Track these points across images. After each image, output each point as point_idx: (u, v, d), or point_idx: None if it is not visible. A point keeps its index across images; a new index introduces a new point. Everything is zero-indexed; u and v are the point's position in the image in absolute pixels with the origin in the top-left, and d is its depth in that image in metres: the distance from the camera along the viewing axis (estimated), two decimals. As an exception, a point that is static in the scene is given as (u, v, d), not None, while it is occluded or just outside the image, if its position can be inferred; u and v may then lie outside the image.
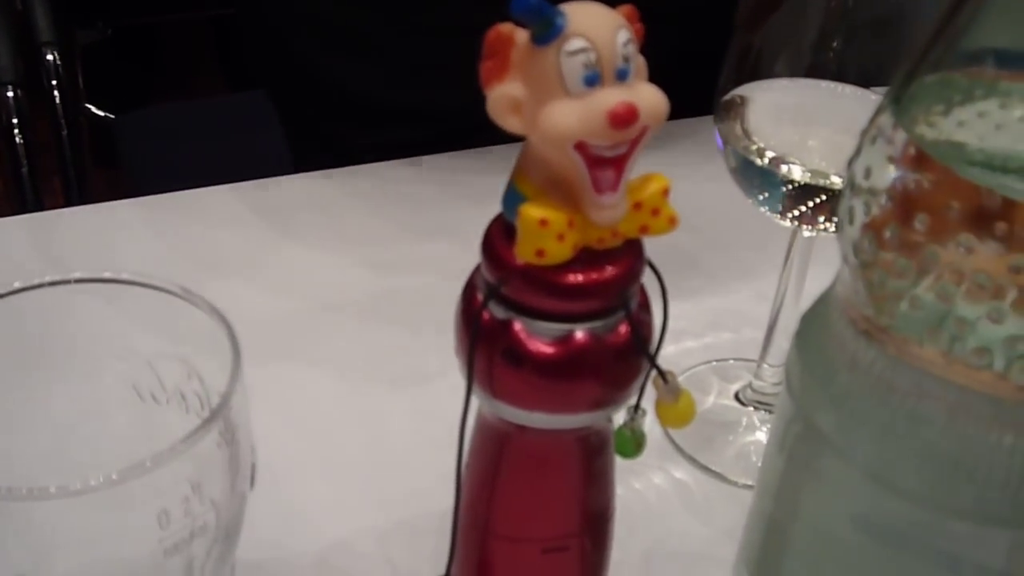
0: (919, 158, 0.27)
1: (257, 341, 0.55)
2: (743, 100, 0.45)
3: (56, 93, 0.95)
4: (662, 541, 0.48)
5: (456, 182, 0.70)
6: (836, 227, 0.30)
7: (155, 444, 0.28)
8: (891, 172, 0.28)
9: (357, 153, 0.74)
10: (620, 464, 0.46)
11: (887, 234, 0.27)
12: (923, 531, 0.30)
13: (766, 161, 0.45)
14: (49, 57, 0.94)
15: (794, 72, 0.44)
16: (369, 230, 0.67)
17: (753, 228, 0.54)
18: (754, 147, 0.45)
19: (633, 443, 0.38)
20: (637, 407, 0.37)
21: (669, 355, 0.57)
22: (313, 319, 0.60)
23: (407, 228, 0.67)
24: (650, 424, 0.54)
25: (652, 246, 0.65)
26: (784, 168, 0.44)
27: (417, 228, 0.67)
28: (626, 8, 0.30)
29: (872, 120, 0.29)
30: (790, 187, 0.44)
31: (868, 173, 0.28)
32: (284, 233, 0.66)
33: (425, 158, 0.73)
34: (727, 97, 0.45)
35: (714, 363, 0.58)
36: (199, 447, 0.29)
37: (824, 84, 0.44)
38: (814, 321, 0.32)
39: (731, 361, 0.58)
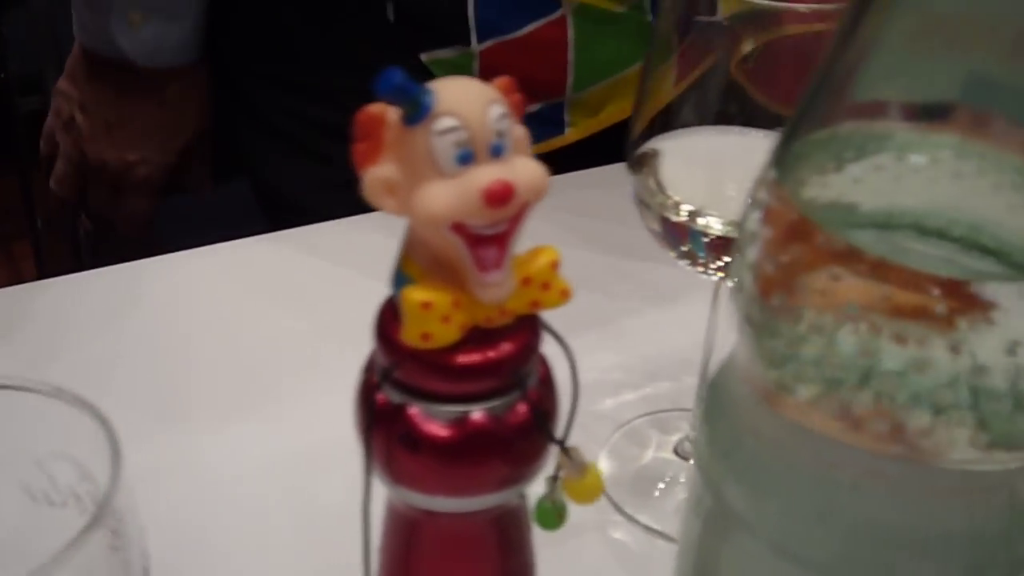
0: (802, 222, 0.26)
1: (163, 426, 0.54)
2: (655, 152, 0.45)
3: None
4: (601, 605, 0.47)
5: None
6: (731, 292, 0.29)
7: (52, 546, 0.27)
8: (774, 237, 0.27)
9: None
10: None
11: (775, 301, 0.27)
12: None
13: (683, 215, 0.44)
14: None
15: (704, 120, 0.43)
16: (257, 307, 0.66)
17: (689, 271, 0.53)
18: (670, 201, 0.44)
19: (555, 515, 0.37)
20: (556, 478, 0.36)
21: (607, 409, 0.56)
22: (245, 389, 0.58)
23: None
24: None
25: (587, 296, 0.64)
26: (702, 221, 0.44)
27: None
28: (503, 80, 0.29)
29: (756, 183, 0.28)
30: (709, 240, 0.44)
31: (753, 238, 0.28)
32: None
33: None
34: (639, 150, 0.45)
35: (653, 415, 0.57)
36: (84, 554, 0.28)
37: (735, 130, 0.43)
38: (718, 387, 0.32)
39: (670, 412, 0.57)
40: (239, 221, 0.84)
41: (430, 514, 0.33)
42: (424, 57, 0.77)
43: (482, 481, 0.32)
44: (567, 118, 0.86)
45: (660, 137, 0.45)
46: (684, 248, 0.45)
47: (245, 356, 0.61)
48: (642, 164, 0.45)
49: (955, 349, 0.24)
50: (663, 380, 0.60)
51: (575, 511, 0.50)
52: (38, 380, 0.31)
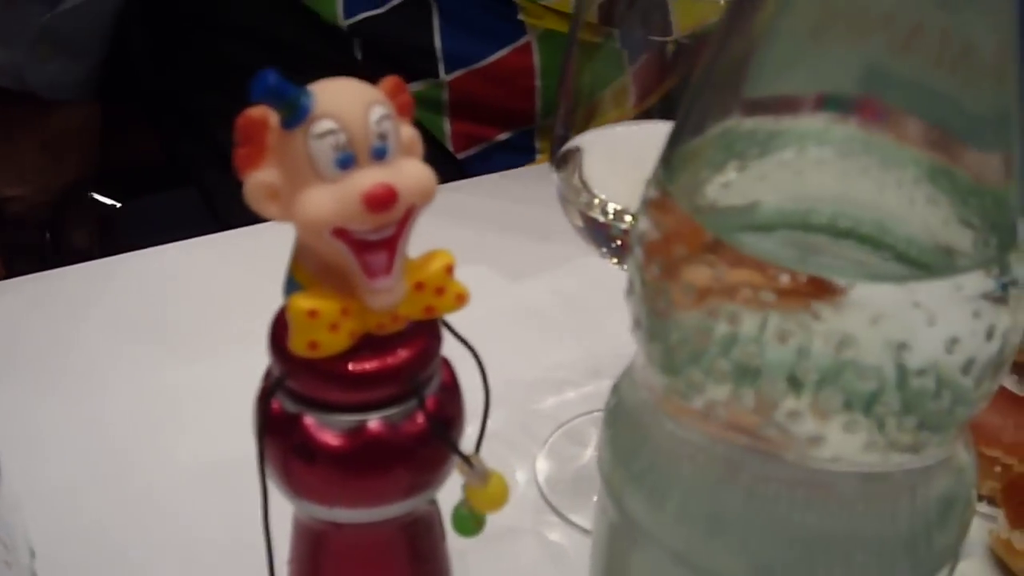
0: (684, 223, 0.26)
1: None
2: (579, 150, 0.44)
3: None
4: (535, 609, 0.46)
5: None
6: (625, 294, 0.29)
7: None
8: (659, 238, 0.26)
9: None
10: (493, 529, 0.44)
11: (660, 304, 0.26)
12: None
13: (609, 215, 0.43)
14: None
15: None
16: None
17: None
18: (595, 200, 0.44)
19: (472, 522, 0.36)
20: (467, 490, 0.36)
21: (548, 408, 0.56)
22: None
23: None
24: (526, 484, 0.52)
25: (528, 294, 0.64)
26: (627, 219, 0.43)
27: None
28: (390, 81, 0.29)
29: (646, 183, 0.28)
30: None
31: (641, 239, 0.27)
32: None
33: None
34: (563, 148, 0.44)
35: (595, 414, 0.56)
36: None
37: (659, 125, 0.43)
38: (620, 393, 0.31)
39: (611, 410, 0.56)
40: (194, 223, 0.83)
41: (335, 525, 0.32)
42: None
43: (383, 491, 0.31)
44: (537, 144, 0.85)
45: (583, 135, 0.44)
46: (613, 245, 0.44)
47: (169, 358, 0.60)
48: (566, 161, 0.44)
49: (840, 350, 0.24)
50: (606, 378, 0.58)
51: (513, 513, 0.50)
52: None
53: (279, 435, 0.30)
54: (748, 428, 0.26)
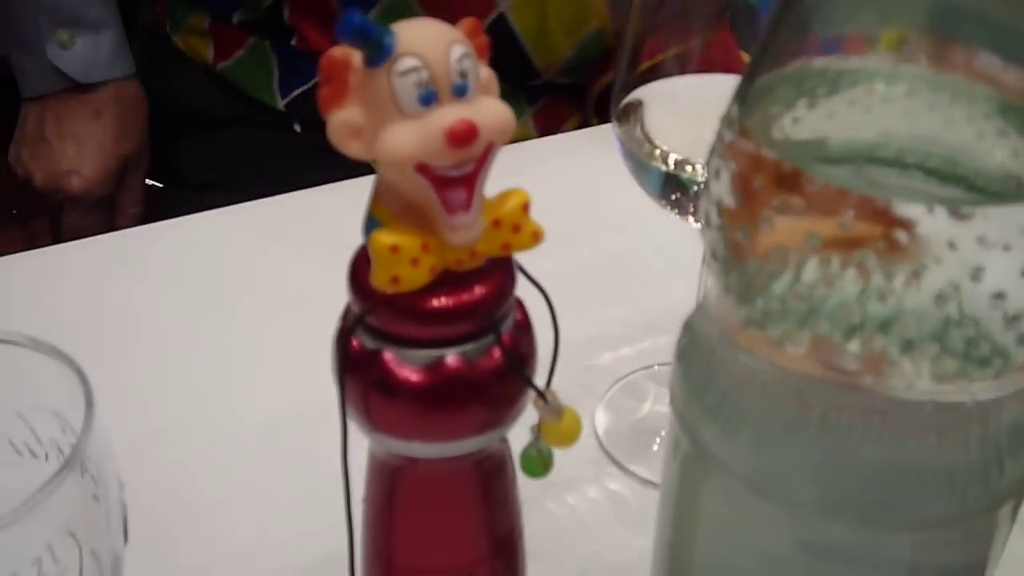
0: (763, 156, 0.26)
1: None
2: (640, 103, 0.44)
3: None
4: (597, 555, 0.47)
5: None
6: (700, 229, 0.29)
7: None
8: (737, 172, 0.27)
9: None
10: (554, 479, 0.45)
11: (738, 236, 0.27)
12: (814, 539, 0.29)
13: (671, 165, 0.44)
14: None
15: (685, 69, 0.43)
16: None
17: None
18: (656, 151, 0.44)
19: (540, 463, 0.37)
20: (541, 425, 0.36)
21: (605, 364, 0.56)
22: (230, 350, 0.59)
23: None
24: (586, 436, 0.53)
25: (585, 252, 0.64)
26: (688, 169, 0.43)
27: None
28: (468, 22, 0.29)
29: (721, 120, 0.28)
30: (696, 188, 0.44)
31: (718, 173, 0.27)
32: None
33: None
34: (624, 102, 0.45)
35: (652, 368, 0.57)
36: (62, 500, 0.28)
37: (718, 77, 0.43)
38: (692, 329, 0.32)
39: (668, 366, 0.57)
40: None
41: (410, 461, 0.33)
42: None
43: (459, 426, 0.32)
44: None
45: (644, 88, 0.44)
46: (673, 197, 0.45)
47: (241, 316, 0.62)
48: (627, 115, 0.45)
49: (917, 276, 0.24)
50: (661, 334, 0.59)
51: (573, 465, 0.51)
52: (15, 332, 0.31)
53: (359, 371, 0.31)
54: (822, 358, 0.26)
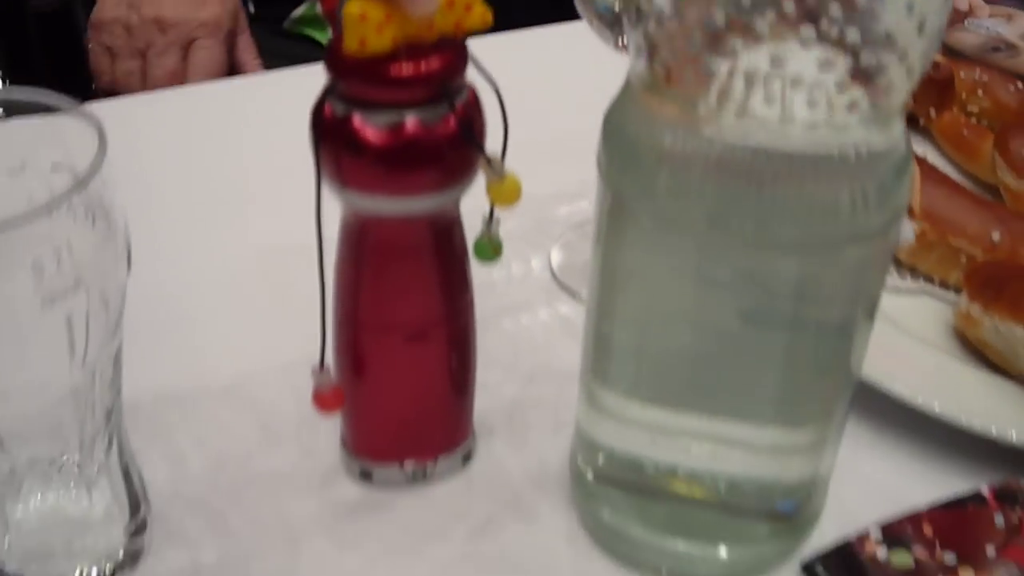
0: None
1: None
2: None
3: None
4: (545, 363, 0.53)
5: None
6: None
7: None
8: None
9: None
10: (510, 304, 0.51)
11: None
12: (713, 267, 0.35)
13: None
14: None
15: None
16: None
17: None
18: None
19: (490, 248, 0.43)
20: (492, 216, 0.42)
21: (563, 214, 0.61)
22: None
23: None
24: (539, 269, 0.59)
25: (547, 118, 0.69)
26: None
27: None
28: None
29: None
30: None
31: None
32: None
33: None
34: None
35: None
36: (68, 212, 0.33)
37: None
38: (614, 109, 0.37)
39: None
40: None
41: (375, 220, 0.38)
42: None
43: (417, 183, 0.37)
44: None
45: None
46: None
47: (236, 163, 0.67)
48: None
49: None
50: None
51: (528, 293, 0.56)
52: (33, 89, 0.36)
53: (331, 135, 0.37)
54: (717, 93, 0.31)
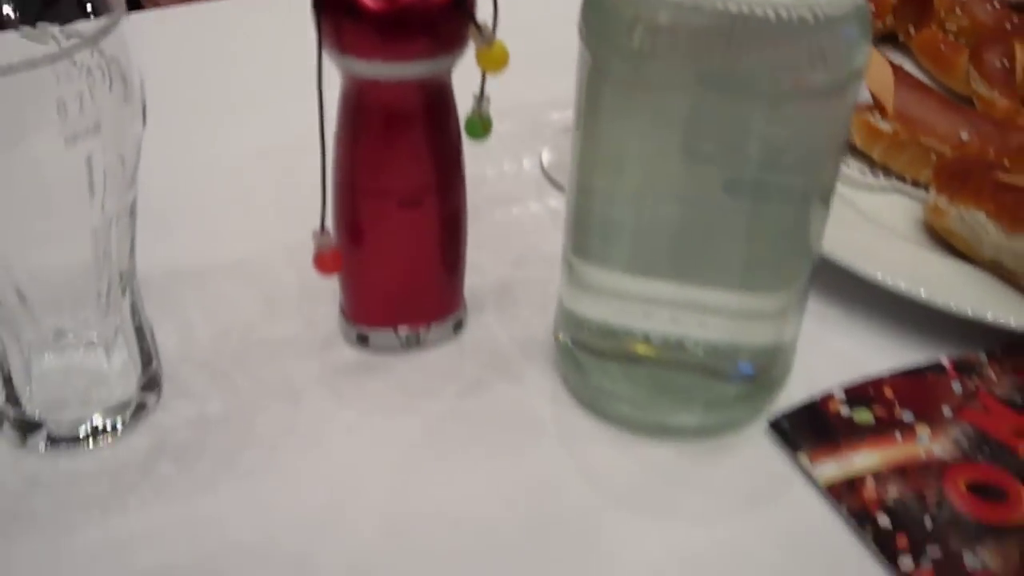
0: None
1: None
2: None
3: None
4: (533, 247, 0.56)
5: None
6: None
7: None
8: None
9: None
10: (501, 197, 0.54)
11: None
12: (688, 117, 0.37)
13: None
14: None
15: None
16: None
17: None
18: None
19: (480, 125, 0.46)
20: (483, 92, 0.45)
21: (555, 119, 0.64)
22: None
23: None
24: (529, 167, 0.62)
25: (551, 36, 0.71)
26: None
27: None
28: None
29: None
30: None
31: None
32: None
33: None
34: None
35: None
36: (87, 71, 0.35)
37: None
38: None
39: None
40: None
41: (372, 84, 0.41)
42: None
43: (411, 49, 0.40)
44: None
45: None
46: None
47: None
48: None
49: None
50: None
51: (519, 188, 0.59)
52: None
53: (332, 3, 0.39)
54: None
